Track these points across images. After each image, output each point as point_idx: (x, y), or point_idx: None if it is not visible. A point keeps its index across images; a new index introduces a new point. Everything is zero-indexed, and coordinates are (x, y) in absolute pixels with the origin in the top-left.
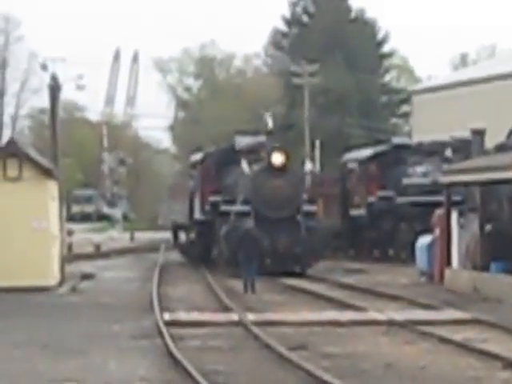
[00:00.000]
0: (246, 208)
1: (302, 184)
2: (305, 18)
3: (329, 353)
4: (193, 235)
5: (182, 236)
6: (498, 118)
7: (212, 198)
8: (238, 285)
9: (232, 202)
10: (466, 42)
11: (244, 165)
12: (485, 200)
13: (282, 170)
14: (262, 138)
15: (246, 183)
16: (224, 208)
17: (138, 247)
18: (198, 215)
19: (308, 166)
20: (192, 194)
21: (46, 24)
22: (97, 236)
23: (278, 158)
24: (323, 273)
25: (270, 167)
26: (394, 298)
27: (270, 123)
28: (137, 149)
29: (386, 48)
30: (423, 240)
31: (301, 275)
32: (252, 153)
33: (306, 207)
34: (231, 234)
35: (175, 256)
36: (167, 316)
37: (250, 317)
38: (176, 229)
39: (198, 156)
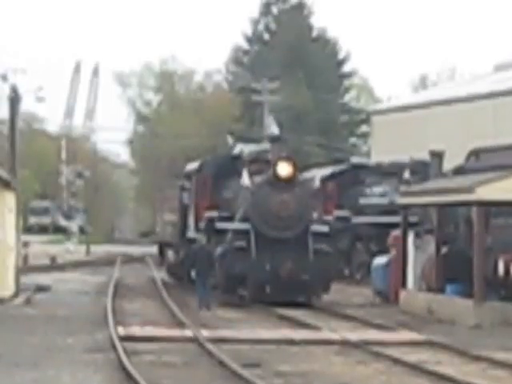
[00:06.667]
0: (244, 226)
1: (313, 200)
2: (266, 36)
3: (282, 371)
4: (183, 254)
5: (170, 254)
6: (458, 141)
7: (208, 214)
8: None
9: (230, 218)
10: (426, 64)
11: (245, 176)
12: (441, 222)
13: (288, 182)
14: (266, 146)
15: (247, 197)
16: (220, 225)
17: (93, 260)
18: (191, 233)
19: (316, 182)
20: (185, 208)
21: (6, 35)
22: (53, 248)
23: (284, 169)
24: None
25: (275, 179)
26: (348, 317)
27: (275, 128)
28: (95, 162)
29: (346, 68)
30: (379, 260)
31: (305, 306)
32: (255, 162)
33: (316, 227)
34: (227, 256)
35: (130, 270)
36: (121, 330)
37: (205, 333)
38: (163, 246)
39: (193, 165)
